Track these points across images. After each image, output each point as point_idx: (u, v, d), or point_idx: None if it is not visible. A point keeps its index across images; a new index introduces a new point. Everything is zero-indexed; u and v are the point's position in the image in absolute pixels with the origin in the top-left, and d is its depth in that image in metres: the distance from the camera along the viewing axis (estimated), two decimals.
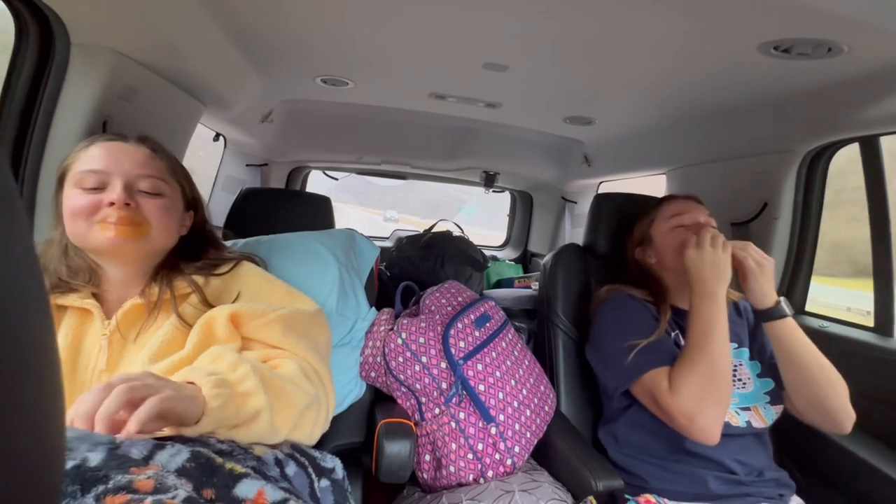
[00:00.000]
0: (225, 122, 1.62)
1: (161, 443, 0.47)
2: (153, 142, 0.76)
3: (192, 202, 0.79)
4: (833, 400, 0.86)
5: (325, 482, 0.66)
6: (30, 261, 0.18)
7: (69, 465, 0.39)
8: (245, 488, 0.47)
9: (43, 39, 0.82)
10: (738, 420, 0.92)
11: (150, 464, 0.44)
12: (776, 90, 1.07)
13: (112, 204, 0.66)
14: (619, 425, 0.99)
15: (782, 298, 0.89)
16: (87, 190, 0.68)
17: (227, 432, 0.57)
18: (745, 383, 0.96)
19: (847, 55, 0.81)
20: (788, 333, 0.88)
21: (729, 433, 0.89)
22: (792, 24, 0.74)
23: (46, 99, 0.86)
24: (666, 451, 0.92)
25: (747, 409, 0.94)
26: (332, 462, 0.71)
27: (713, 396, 0.81)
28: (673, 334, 0.98)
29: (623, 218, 1.22)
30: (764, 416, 0.93)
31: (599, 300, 1.07)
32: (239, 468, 0.48)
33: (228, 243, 1.04)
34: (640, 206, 1.15)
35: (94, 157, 0.69)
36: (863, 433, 1.04)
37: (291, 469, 0.61)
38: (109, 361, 0.67)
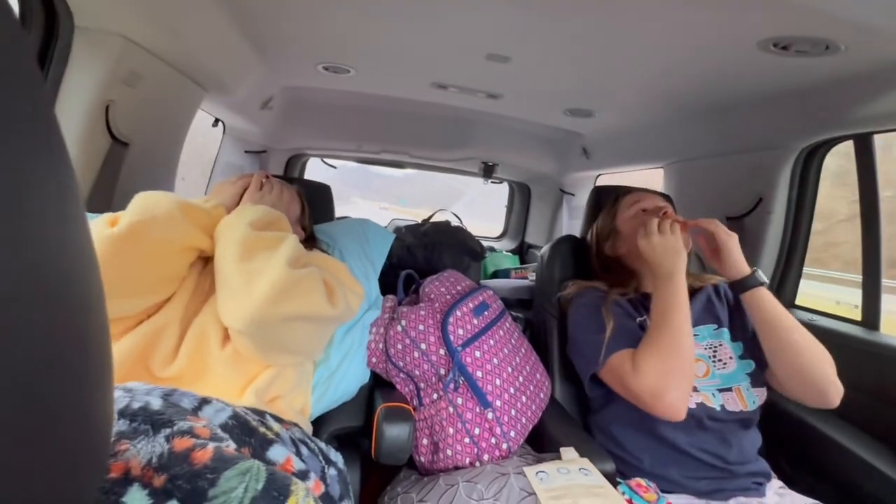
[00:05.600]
0: (225, 108, 1.61)
1: (206, 398, 0.52)
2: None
3: (303, 229, 1.05)
4: (817, 367, 0.86)
5: (333, 471, 0.69)
6: (85, 241, 0.19)
7: (136, 405, 0.43)
8: (276, 453, 0.50)
9: (47, 23, 0.82)
10: (713, 402, 0.93)
11: (199, 415, 0.48)
12: (774, 87, 1.08)
13: None
14: (602, 417, 1.02)
15: (756, 269, 0.91)
16: None
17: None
18: (725, 363, 0.96)
19: (844, 54, 0.83)
20: (765, 301, 0.90)
21: (709, 416, 0.91)
22: (791, 21, 0.75)
23: (48, 83, 0.86)
24: (644, 446, 0.93)
25: (728, 389, 0.94)
26: (336, 457, 0.75)
27: (676, 372, 0.83)
28: (640, 319, 1.00)
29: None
30: (746, 399, 0.93)
31: (568, 297, 1.12)
32: (269, 434, 0.51)
33: None
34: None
35: None
36: (848, 423, 1.08)
37: (304, 451, 0.65)
38: None
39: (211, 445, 0.40)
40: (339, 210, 1.49)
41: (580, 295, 1.08)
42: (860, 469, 0.98)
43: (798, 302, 1.34)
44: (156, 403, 0.44)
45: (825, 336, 1.16)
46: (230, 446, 0.44)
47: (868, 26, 0.71)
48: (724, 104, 1.26)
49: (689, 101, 1.32)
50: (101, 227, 0.67)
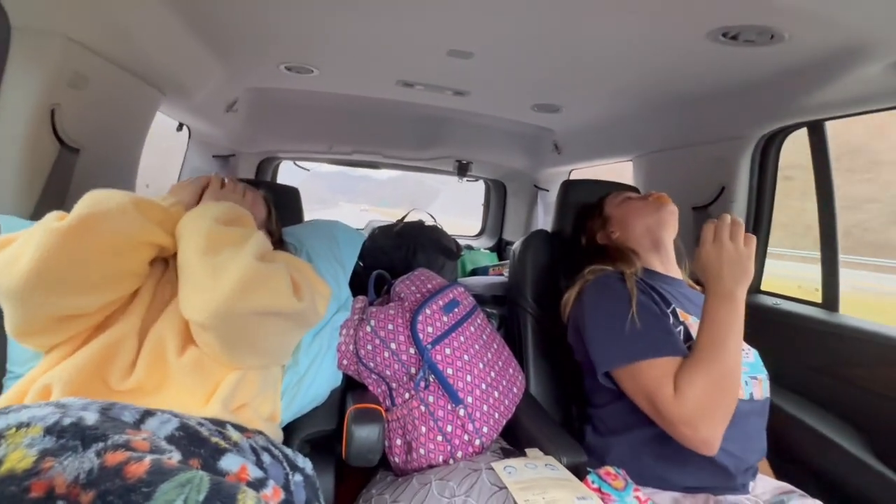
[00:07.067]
0: (187, 112, 1.57)
1: (151, 410, 0.51)
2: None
3: (270, 233, 1.00)
4: None
5: (298, 477, 0.68)
6: None
7: (67, 421, 0.41)
8: (229, 462, 0.49)
9: None
10: (743, 392, 0.85)
11: (142, 428, 0.46)
12: (728, 77, 1.11)
13: None
14: (607, 413, 0.96)
15: None
16: None
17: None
18: (746, 352, 0.91)
19: (788, 42, 0.85)
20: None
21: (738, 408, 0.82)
22: (735, 11, 0.77)
23: None
24: (656, 453, 0.87)
25: (755, 378, 0.88)
26: (304, 463, 0.74)
27: (722, 409, 0.74)
28: (669, 309, 0.92)
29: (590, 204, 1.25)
30: (763, 389, 0.89)
31: (584, 282, 1.01)
32: (223, 443, 0.51)
33: None
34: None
35: None
36: (812, 403, 1.11)
37: (267, 458, 0.63)
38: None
39: (148, 458, 0.39)
40: (326, 213, 1.47)
41: (601, 279, 0.98)
42: (822, 447, 1.01)
43: None
44: (91, 418, 0.42)
45: (788, 319, 1.20)
46: (173, 458, 0.42)
47: (808, 14, 0.73)
48: (683, 96, 1.29)
49: (651, 95, 1.34)
50: (48, 221, 0.65)
